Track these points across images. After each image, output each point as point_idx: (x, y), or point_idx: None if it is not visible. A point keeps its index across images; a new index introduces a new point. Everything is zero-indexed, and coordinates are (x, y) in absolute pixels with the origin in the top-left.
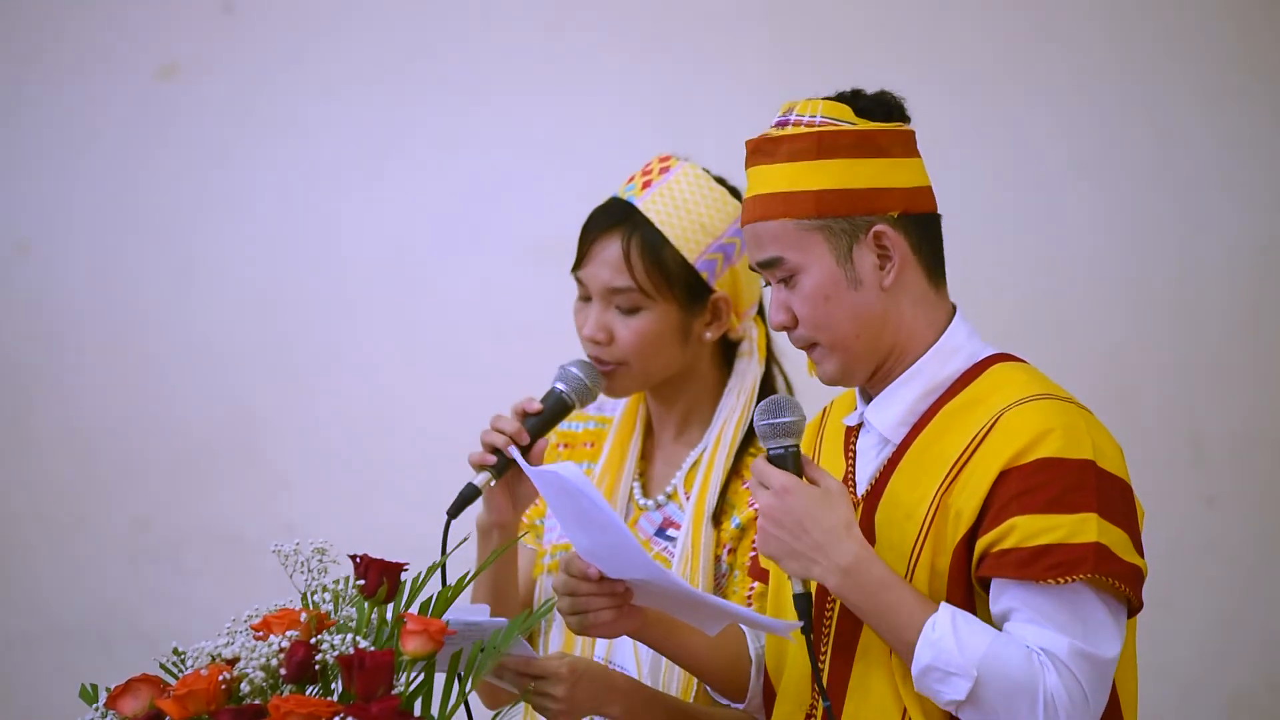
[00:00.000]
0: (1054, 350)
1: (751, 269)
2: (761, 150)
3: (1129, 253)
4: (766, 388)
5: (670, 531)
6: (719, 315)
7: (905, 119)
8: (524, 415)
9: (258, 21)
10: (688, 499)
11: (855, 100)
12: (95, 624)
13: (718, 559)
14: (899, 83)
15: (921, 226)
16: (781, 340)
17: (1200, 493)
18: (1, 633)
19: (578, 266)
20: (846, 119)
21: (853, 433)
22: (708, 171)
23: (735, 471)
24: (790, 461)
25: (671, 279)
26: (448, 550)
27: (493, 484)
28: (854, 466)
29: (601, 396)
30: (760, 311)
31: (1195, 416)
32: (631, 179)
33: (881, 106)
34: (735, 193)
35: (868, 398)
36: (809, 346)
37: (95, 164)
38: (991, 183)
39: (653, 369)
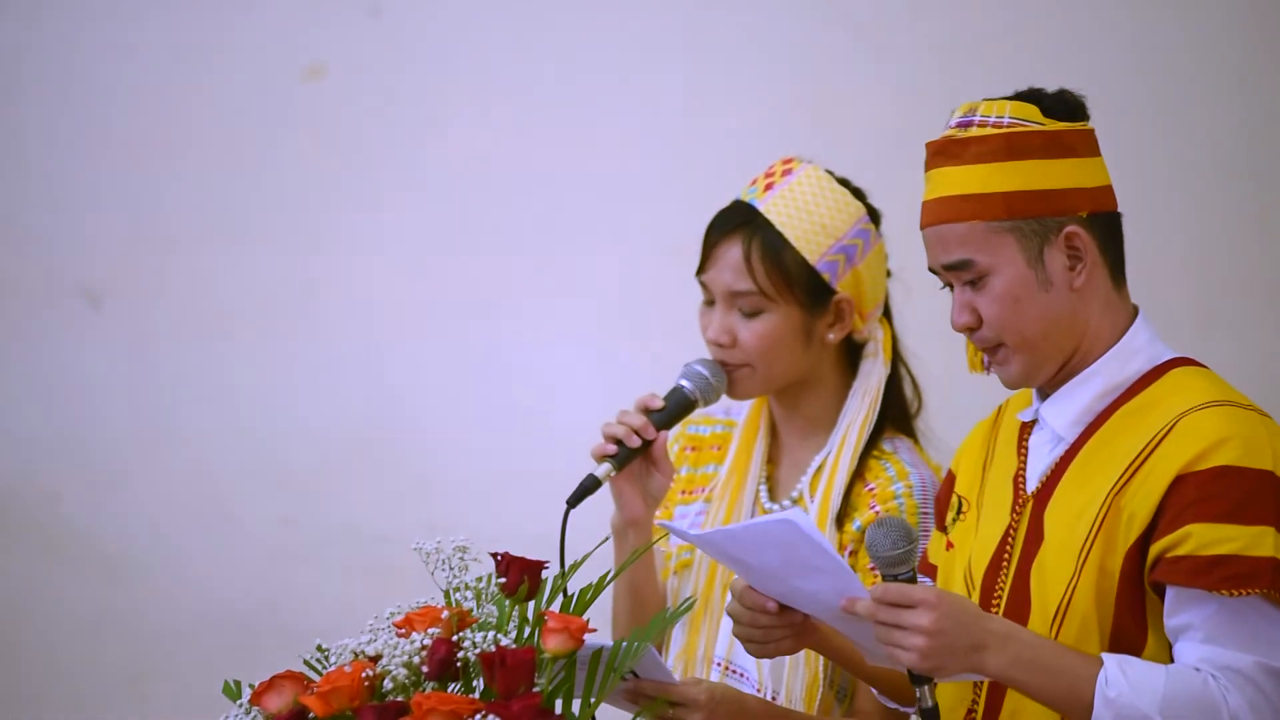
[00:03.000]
0: None
1: (931, 271)
2: (945, 152)
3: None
4: (893, 389)
5: None
6: (842, 316)
7: (1086, 116)
8: (647, 411)
9: (405, 24)
10: (812, 501)
11: (1040, 99)
12: (241, 620)
13: None
14: (1051, 82)
15: (1107, 226)
16: (909, 340)
17: None
18: (149, 626)
19: (701, 270)
20: (1035, 119)
21: (1026, 429)
22: (831, 173)
23: (859, 474)
24: (914, 579)
25: (793, 281)
26: (566, 548)
27: (613, 474)
28: (1025, 463)
29: (728, 399)
30: (886, 312)
31: None
32: (754, 181)
33: (1065, 105)
34: (858, 194)
35: (1044, 394)
36: (993, 348)
37: (241, 163)
38: None
39: (776, 371)
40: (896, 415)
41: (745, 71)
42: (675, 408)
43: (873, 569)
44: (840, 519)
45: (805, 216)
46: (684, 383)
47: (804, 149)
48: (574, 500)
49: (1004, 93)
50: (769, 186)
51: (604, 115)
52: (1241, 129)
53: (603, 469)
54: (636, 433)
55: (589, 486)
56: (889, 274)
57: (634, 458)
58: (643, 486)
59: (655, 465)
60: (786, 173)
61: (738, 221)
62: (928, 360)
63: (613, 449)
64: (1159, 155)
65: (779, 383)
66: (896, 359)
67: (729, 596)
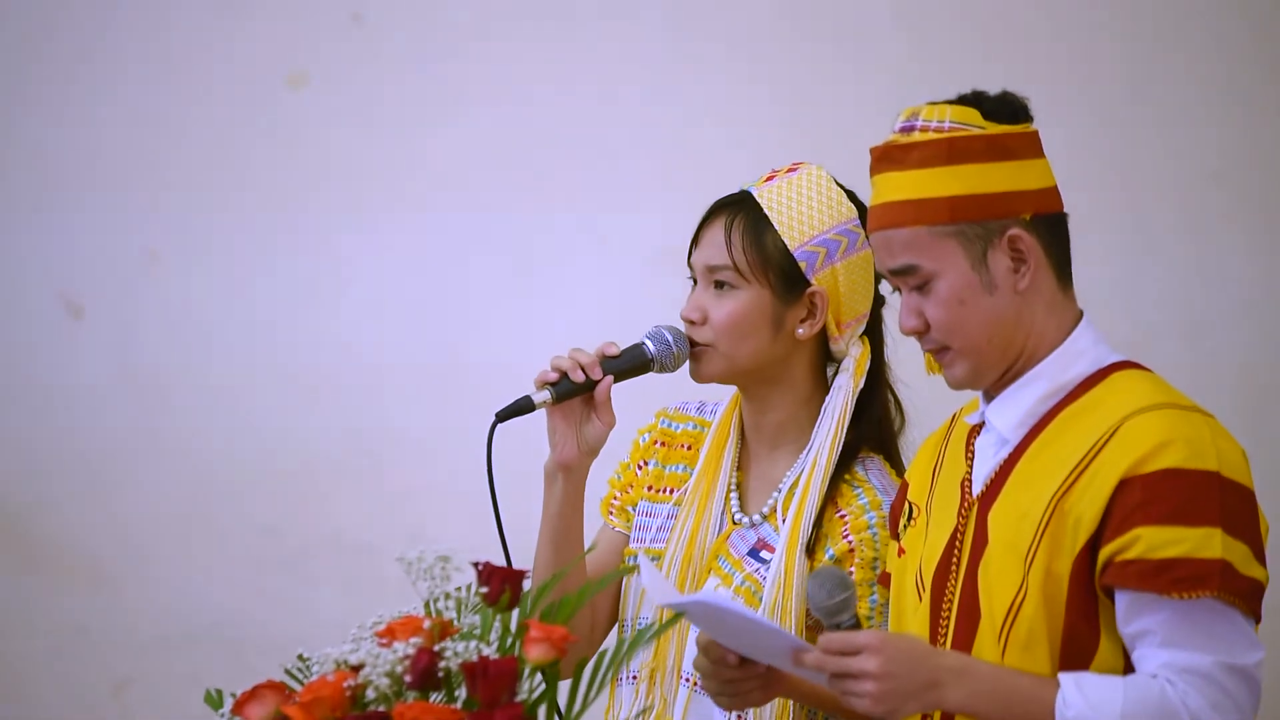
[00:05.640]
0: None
1: (880, 276)
2: (889, 157)
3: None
4: (871, 406)
5: (764, 554)
6: (814, 311)
7: (1029, 119)
8: (602, 357)
9: (387, 32)
10: (784, 522)
11: (981, 103)
12: (223, 629)
13: None
14: (1029, 88)
15: (1052, 227)
16: (900, 370)
17: None
18: (132, 635)
19: (690, 253)
20: (975, 123)
21: (974, 432)
22: (835, 178)
23: (829, 499)
24: (858, 625)
25: (768, 262)
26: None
27: (549, 403)
28: (971, 466)
29: (708, 402)
30: (874, 334)
31: None
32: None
33: (1007, 108)
34: (855, 199)
35: (990, 397)
36: (940, 350)
37: (224, 171)
38: None
39: (740, 354)
40: (871, 433)
41: (729, 82)
42: (629, 361)
43: (813, 625)
44: (811, 546)
45: (793, 205)
46: (647, 342)
47: (787, 159)
48: (504, 414)
49: None
50: (770, 178)
51: (588, 125)
52: (1239, 132)
53: (540, 395)
54: (583, 369)
55: (522, 406)
56: (882, 301)
57: (575, 394)
58: (579, 430)
59: (596, 411)
60: (791, 170)
61: (729, 203)
62: (919, 390)
63: (554, 377)
64: (1154, 159)
65: (742, 368)
66: (880, 381)
67: (691, 645)
